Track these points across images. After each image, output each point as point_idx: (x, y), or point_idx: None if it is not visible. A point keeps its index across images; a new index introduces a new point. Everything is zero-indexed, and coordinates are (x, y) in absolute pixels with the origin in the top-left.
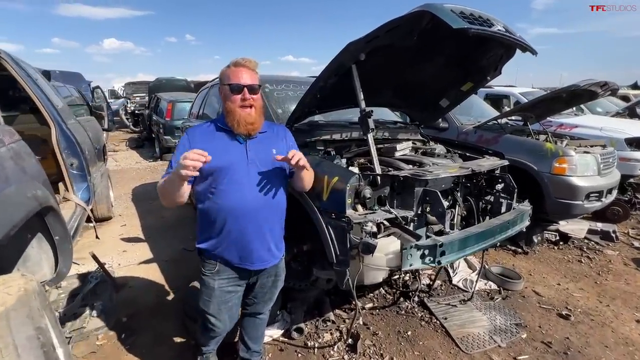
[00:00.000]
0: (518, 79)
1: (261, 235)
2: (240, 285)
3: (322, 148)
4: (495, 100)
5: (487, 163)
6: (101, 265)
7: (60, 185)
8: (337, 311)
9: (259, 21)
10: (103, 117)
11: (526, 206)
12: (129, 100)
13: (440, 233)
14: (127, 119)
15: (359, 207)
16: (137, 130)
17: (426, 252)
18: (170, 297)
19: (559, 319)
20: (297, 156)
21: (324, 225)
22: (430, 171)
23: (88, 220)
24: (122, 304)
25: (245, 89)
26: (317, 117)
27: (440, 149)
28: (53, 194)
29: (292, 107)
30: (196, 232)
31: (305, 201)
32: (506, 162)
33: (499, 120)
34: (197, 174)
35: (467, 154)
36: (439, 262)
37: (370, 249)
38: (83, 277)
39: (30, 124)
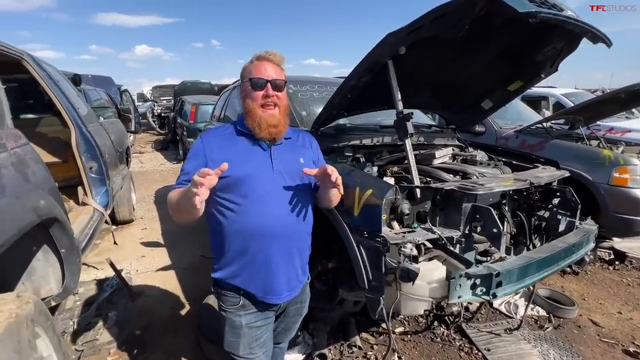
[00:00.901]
0: (553, 80)
1: (290, 259)
2: (270, 316)
3: (351, 154)
4: (533, 102)
5: (545, 174)
6: (118, 272)
7: (79, 189)
8: (364, 335)
9: (282, 24)
10: (130, 120)
11: (591, 225)
12: (156, 103)
13: (485, 253)
14: (153, 121)
15: (395, 223)
16: (163, 133)
17: (478, 282)
18: (186, 309)
19: (625, 357)
20: (335, 173)
21: (355, 245)
22: (481, 184)
23: (107, 223)
24: (136, 313)
25: (269, 84)
26: (343, 121)
27: (481, 155)
28: (61, 202)
29: (318, 110)
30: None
31: (334, 216)
32: (567, 174)
33: (544, 124)
34: (207, 195)
35: (514, 162)
36: (494, 295)
37: (410, 276)
38: (100, 284)
39: (55, 126)
